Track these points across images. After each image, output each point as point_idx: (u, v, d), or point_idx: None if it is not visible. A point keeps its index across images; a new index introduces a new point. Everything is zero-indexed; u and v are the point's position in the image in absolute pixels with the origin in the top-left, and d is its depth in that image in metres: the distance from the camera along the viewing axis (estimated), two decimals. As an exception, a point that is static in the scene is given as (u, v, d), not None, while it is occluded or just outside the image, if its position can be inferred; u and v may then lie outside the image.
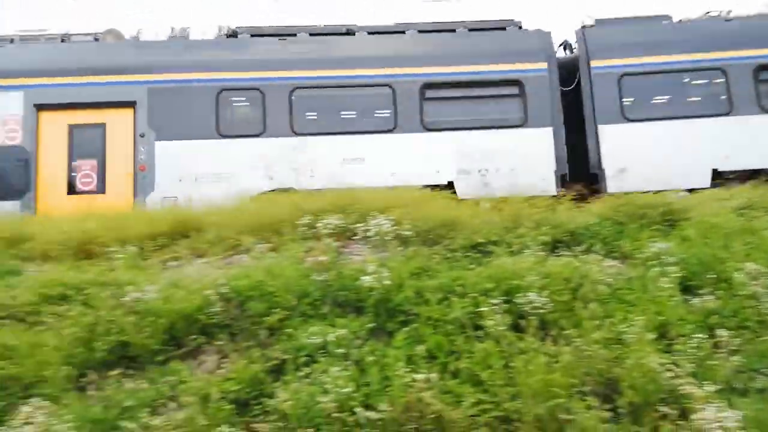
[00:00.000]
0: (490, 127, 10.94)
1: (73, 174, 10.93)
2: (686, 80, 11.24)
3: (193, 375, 4.70)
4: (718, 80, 10.98)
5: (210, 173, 10.64)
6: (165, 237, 6.45)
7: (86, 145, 11.06)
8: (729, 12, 11.74)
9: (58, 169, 10.92)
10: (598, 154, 10.77)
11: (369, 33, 11.90)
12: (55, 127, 11.14)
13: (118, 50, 11.78)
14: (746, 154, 10.42)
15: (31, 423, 4.01)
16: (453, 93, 11.27)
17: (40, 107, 11.08)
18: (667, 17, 11.79)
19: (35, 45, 11.81)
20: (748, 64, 10.85)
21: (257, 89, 11.11)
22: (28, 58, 11.40)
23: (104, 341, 4.77)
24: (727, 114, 10.77)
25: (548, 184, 10.32)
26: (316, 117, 11.44)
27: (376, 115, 11.49)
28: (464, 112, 11.21)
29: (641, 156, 10.56)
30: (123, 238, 6.22)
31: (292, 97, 11.11)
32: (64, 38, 11.97)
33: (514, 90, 11.07)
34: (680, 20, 11.81)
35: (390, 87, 11.12)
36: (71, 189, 10.92)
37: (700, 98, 11.27)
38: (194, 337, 4.94)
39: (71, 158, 11.03)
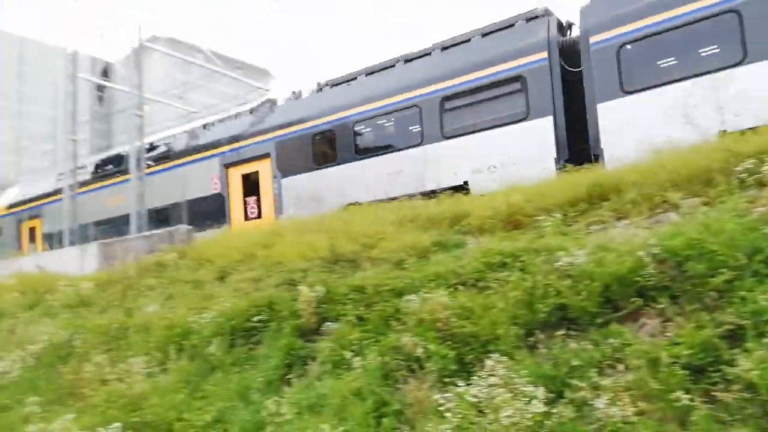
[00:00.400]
0: (497, 126, 11.38)
1: (245, 207, 15.93)
2: (691, 34, 9.60)
3: (636, 338, 4.57)
4: (730, 26, 9.11)
5: (311, 196, 13.93)
6: (584, 202, 6.52)
7: (251, 187, 15.89)
8: None
9: (239, 204, 16.12)
10: (597, 133, 10.29)
11: (405, 61, 13.75)
12: (235, 178, 16.33)
13: (260, 117, 16.37)
14: (761, 108, 8.17)
15: (494, 375, 4.54)
16: (466, 100, 12.00)
17: (227, 165, 16.45)
18: None
19: (220, 123, 17.87)
20: None
21: (332, 130, 14.19)
22: (217, 134, 17.26)
23: (544, 304, 5.08)
24: (738, 64, 9.02)
25: (549, 172, 9.83)
26: (368, 142, 13.82)
27: (408, 132, 12.90)
28: (475, 116, 11.83)
29: (640, 128, 9.39)
30: (545, 206, 6.55)
31: (354, 130, 13.80)
32: (237, 115, 17.64)
33: (518, 86, 11.31)
34: None
35: (417, 106, 12.63)
36: (246, 217, 15.84)
37: (706, 52, 9.57)
38: (632, 299, 4.80)
39: (245, 196, 15.98)
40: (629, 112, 9.90)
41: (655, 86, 9.82)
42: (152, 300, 9.07)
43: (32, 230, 24.15)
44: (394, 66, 13.95)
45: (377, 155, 13.31)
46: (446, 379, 4.88)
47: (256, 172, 15.71)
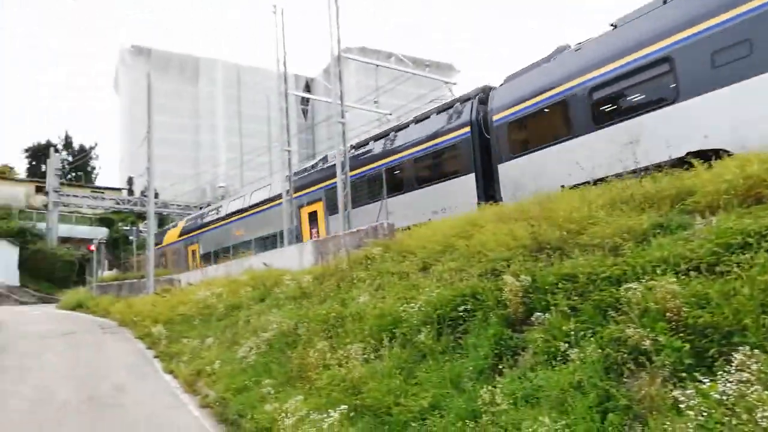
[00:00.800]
0: (446, 180, 15.75)
1: (311, 235, 20.76)
2: (542, 117, 13.24)
3: None
4: (563, 111, 12.64)
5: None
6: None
7: (313, 221, 21.32)
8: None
9: (306, 233, 21.36)
10: (498, 186, 14.08)
11: (396, 131, 18.55)
12: (304, 215, 21.75)
13: (318, 171, 22.09)
14: (582, 170, 10.70)
15: (745, 370, 3.94)
16: (429, 161, 16.54)
17: (300, 206, 21.51)
18: (566, 46, 13.63)
19: (296, 176, 22.40)
20: (584, 88, 12.06)
21: (353, 182, 17.96)
22: (295, 183, 21.81)
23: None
24: (569, 138, 12.33)
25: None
26: (374, 191, 18.07)
27: (397, 182, 17.25)
28: (434, 172, 16.36)
29: (521, 182, 12.89)
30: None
31: (366, 182, 18.69)
32: (306, 169, 23.64)
33: (454, 152, 15.71)
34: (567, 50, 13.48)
35: (401, 165, 17.30)
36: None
37: (551, 130, 13.01)
38: None
39: (310, 227, 21.29)
40: (514, 170, 13.67)
41: (528, 152, 13.53)
42: (363, 291, 9.61)
43: (194, 252, 33.22)
44: (388, 135, 19.10)
45: (379, 200, 17.67)
46: (682, 374, 4.37)
47: (315, 212, 21.43)
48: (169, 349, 13.29)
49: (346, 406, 6.34)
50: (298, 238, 20.65)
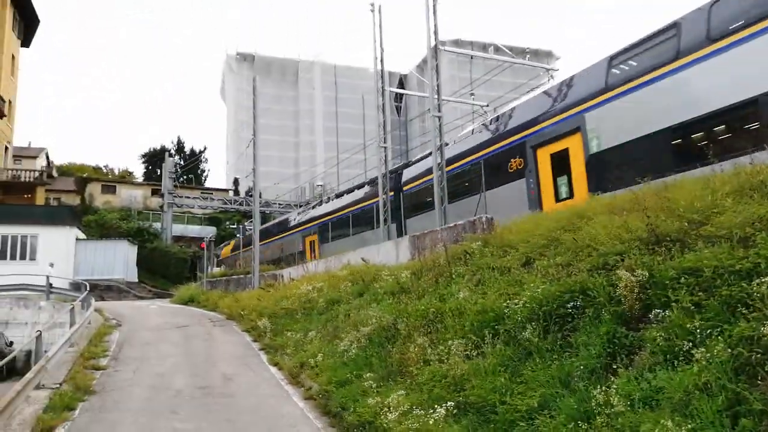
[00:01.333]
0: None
1: (312, 256, 28.49)
2: (419, 194, 20.49)
3: None
4: (425, 194, 19.71)
5: (332, 252, 22.85)
6: None
7: (312, 247, 30.35)
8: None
9: (308, 254, 28.57)
10: (406, 231, 20.36)
11: (357, 187, 28.40)
12: (307, 243, 30.60)
13: (315, 209, 32.27)
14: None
15: None
16: (373, 214, 23.02)
17: (303, 236, 31.73)
18: (447, 143, 19.38)
19: (300, 214, 35.75)
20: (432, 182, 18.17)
21: (329, 221, 28.64)
22: (301, 219, 33.98)
23: None
24: (428, 210, 18.88)
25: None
26: (345, 229, 26.49)
27: (362, 225, 24.88)
28: (371, 220, 23.34)
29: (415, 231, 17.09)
30: None
31: (339, 222, 27.47)
32: (306, 208, 36.99)
33: (393, 205, 21.73)
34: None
35: (364, 213, 24.71)
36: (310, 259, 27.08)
37: (422, 203, 20.09)
38: None
39: (310, 250, 29.87)
40: (412, 223, 20.07)
41: (414, 216, 20.74)
42: (463, 286, 9.42)
43: (239, 265, 39.16)
44: (353, 191, 27.70)
45: (354, 235, 25.05)
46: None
47: (313, 240, 29.69)
48: (273, 342, 13.76)
49: (452, 403, 6.21)
50: (302, 260, 27.71)
